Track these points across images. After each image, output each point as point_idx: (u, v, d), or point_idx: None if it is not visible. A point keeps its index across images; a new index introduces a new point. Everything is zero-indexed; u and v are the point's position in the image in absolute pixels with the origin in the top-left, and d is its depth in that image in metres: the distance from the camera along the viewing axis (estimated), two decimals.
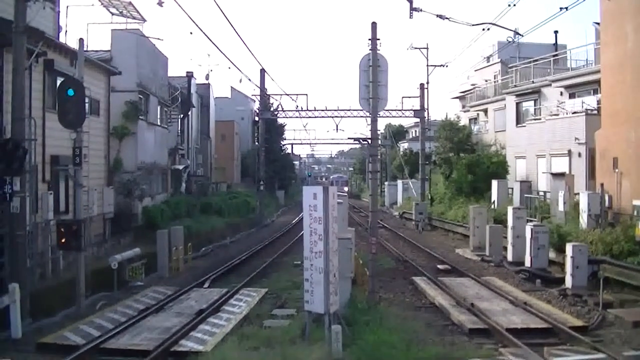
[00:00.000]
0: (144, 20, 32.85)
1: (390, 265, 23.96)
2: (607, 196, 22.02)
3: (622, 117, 22.40)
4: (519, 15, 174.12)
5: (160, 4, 18.50)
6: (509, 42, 34.45)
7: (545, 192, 29.51)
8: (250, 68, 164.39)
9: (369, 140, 17.17)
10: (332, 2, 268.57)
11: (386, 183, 60.70)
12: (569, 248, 18.22)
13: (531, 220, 24.09)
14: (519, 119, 36.98)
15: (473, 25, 26.34)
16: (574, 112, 29.46)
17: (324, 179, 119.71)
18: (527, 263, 20.87)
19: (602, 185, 22.29)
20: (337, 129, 54.73)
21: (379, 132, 20.77)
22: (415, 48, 46.76)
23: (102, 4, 30.39)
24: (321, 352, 10.39)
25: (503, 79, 43.43)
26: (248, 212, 46.90)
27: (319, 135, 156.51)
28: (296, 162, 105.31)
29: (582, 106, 29.23)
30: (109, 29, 30.50)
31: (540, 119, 33.28)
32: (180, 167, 40.19)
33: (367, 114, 18.81)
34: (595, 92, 28.70)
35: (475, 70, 50.46)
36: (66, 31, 26.85)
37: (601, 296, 15.66)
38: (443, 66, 46.44)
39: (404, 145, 68.18)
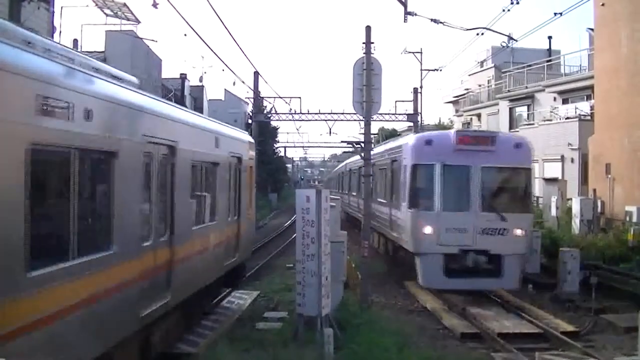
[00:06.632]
0: (138, 22, 32.84)
1: (382, 269, 23.89)
2: (600, 202, 22.07)
3: (616, 122, 22.46)
4: (513, 21, 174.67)
5: (154, 5, 18.38)
6: (503, 47, 34.44)
7: (538, 197, 29.54)
8: (244, 70, 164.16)
9: (362, 144, 17.10)
10: (326, 5, 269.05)
11: None
12: (561, 253, 18.24)
13: None
14: (512, 124, 37.07)
15: (467, 29, 26.23)
16: (567, 118, 29.57)
17: (317, 182, 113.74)
18: None
19: (594, 190, 22.34)
20: (330, 133, 54.72)
21: (372, 136, 20.70)
22: (409, 52, 46.65)
23: (96, 5, 30.30)
24: (313, 354, 10.37)
25: (496, 83, 43.54)
26: None
27: (312, 139, 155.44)
28: (289, 165, 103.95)
29: (576, 112, 29.34)
30: (104, 30, 30.51)
31: (533, 124, 33.35)
32: None
33: (361, 117, 18.79)
34: (589, 97, 28.81)
35: (469, 75, 50.58)
36: (60, 32, 26.78)
37: (593, 302, 15.68)
38: (437, 70, 46.46)
39: None
